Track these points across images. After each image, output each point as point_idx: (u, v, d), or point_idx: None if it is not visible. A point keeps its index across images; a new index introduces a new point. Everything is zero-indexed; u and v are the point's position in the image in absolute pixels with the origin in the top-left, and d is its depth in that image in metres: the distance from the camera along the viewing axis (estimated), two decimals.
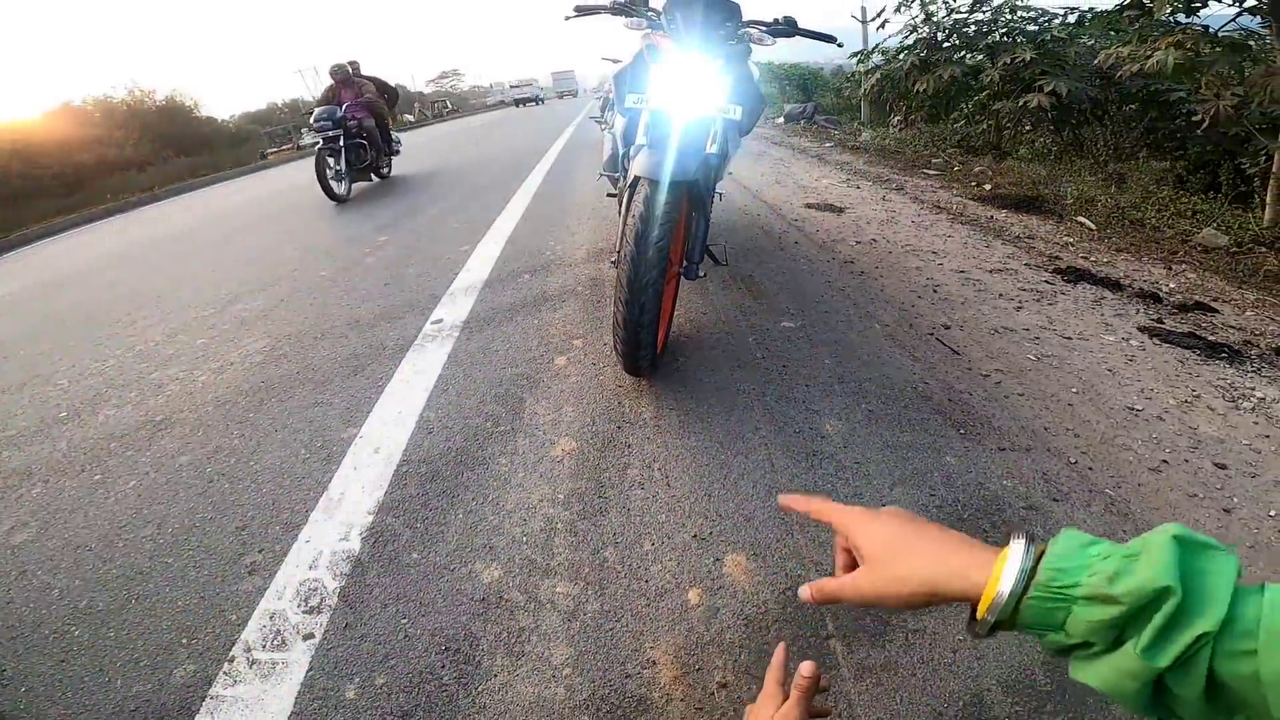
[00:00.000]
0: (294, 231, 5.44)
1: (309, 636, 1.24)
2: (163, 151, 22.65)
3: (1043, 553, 0.44)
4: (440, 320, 2.69)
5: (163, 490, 1.81)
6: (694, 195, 1.92)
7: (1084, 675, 0.42)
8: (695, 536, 1.38)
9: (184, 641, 1.27)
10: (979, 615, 0.45)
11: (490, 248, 3.77)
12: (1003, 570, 0.44)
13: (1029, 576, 0.43)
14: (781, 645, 0.69)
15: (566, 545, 1.40)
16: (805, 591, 0.56)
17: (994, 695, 1.02)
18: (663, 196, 1.69)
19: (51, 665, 1.27)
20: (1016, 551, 0.44)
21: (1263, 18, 3.63)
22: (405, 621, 1.25)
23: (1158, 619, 0.38)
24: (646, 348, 1.80)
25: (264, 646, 1.23)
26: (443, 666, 1.15)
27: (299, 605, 1.31)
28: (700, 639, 1.15)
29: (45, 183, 18.25)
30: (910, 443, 1.64)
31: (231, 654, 1.22)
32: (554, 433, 1.81)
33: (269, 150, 26.31)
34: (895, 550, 0.51)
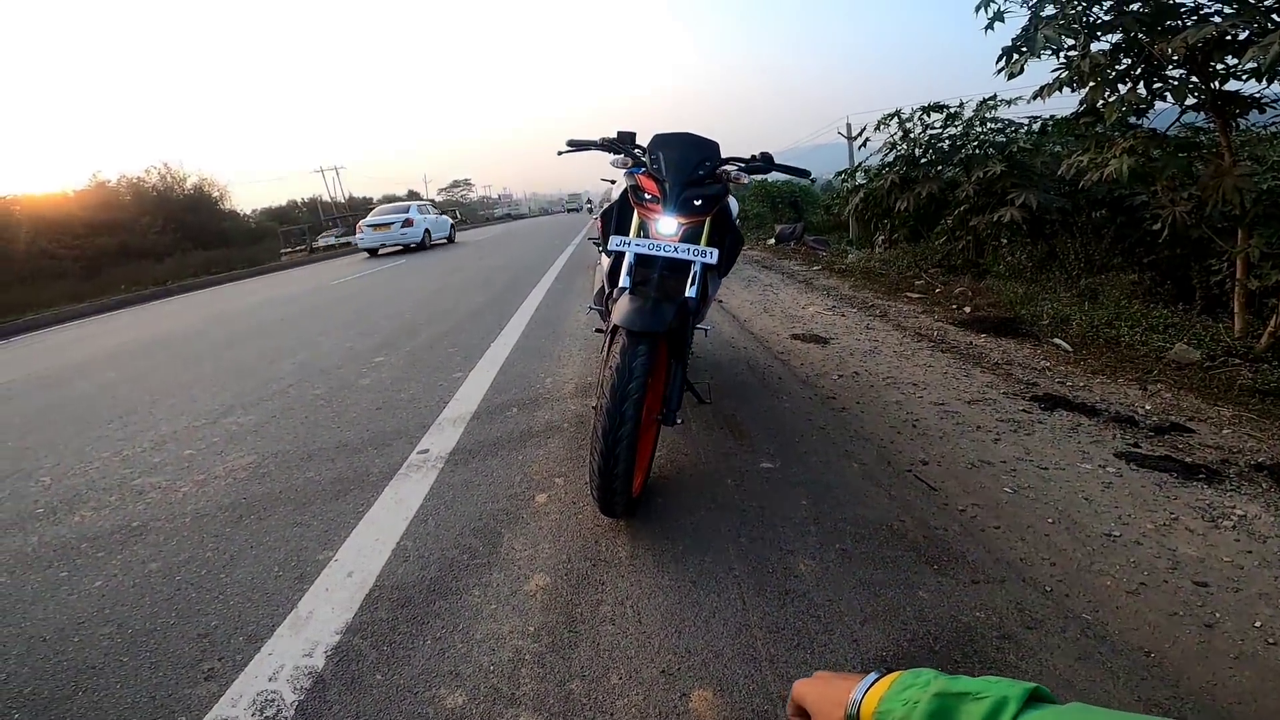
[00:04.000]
0: (294, 344, 5.56)
1: None
2: (183, 243, 22.91)
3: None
4: (426, 450, 2.74)
5: (128, 593, 1.79)
6: (672, 344, 2.00)
7: None
8: (663, 672, 1.38)
9: None
10: None
11: (482, 376, 3.87)
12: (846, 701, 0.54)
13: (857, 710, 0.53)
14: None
15: (533, 676, 1.39)
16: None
17: None
18: (640, 349, 1.76)
19: None
20: (858, 689, 0.54)
21: (1206, 113, 3.63)
22: None
23: None
24: (621, 494, 1.83)
25: None
26: None
27: (254, 714, 1.28)
28: None
29: (67, 264, 18.35)
30: (883, 580, 1.66)
31: None
32: (529, 568, 1.82)
33: (284, 250, 26.80)
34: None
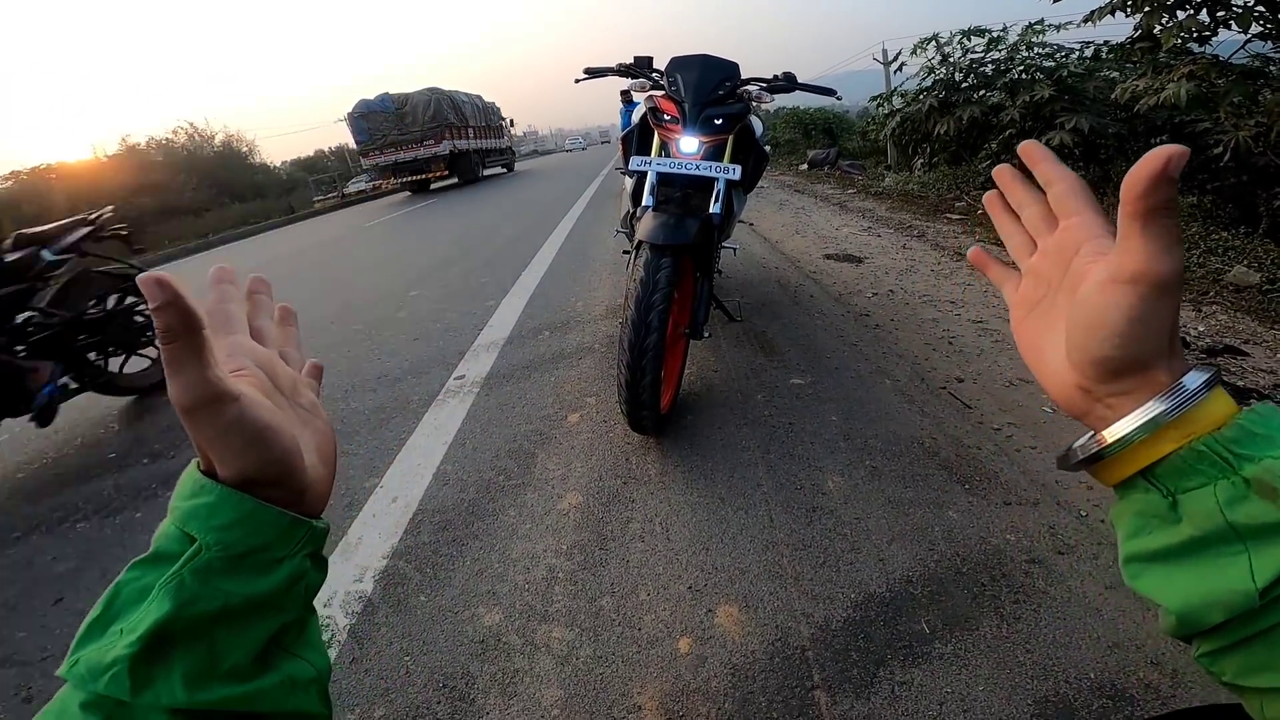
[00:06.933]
0: (334, 283, 5.72)
1: None
2: (219, 198, 23.67)
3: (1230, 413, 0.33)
4: (463, 376, 2.80)
5: None
6: (697, 258, 1.99)
7: (1145, 580, 0.34)
8: (690, 588, 1.42)
9: None
10: (1105, 437, 0.35)
11: (515, 302, 3.92)
12: (1166, 392, 0.33)
13: (1176, 413, 0.33)
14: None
15: (565, 593, 1.45)
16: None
17: None
18: (664, 261, 1.76)
19: None
20: (1193, 381, 0.33)
21: (1274, 43, 3.54)
22: (408, 659, 1.31)
23: None
24: (649, 408, 1.84)
25: None
26: (439, 702, 1.20)
27: None
28: (687, 686, 1.18)
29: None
30: (912, 498, 1.65)
31: None
32: (562, 487, 1.87)
33: (316, 198, 27.28)
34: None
